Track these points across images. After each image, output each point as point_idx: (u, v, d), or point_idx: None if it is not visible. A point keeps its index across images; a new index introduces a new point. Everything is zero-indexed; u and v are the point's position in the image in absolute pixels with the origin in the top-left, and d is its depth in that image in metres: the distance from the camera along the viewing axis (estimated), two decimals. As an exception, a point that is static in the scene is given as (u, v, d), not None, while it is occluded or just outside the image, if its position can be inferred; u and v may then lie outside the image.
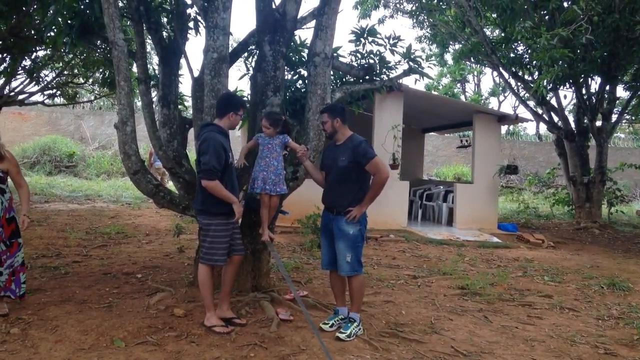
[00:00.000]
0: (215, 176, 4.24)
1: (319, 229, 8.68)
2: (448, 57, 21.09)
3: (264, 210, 4.73)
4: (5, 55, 11.72)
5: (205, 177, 4.26)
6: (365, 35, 6.12)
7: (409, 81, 15.95)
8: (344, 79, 6.45)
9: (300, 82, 6.32)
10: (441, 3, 14.98)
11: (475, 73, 32.50)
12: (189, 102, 6.77)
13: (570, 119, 14.64)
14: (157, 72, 6.28)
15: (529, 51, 13.26)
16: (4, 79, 13.49)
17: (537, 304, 6.00)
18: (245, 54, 6.58)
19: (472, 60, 16.55)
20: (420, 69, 6.28)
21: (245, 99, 6.64)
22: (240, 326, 4.50)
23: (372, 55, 6.17)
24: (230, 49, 5.53)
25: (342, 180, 4.56)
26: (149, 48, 12.23)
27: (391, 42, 6.15)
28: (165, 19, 6.42)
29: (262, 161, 4.65)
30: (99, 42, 7.39)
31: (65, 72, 14.69)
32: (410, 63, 6.23)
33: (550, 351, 4.51)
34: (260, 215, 4.79)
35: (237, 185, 4.66)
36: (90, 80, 15.56)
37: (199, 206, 4.47)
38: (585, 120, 13.90)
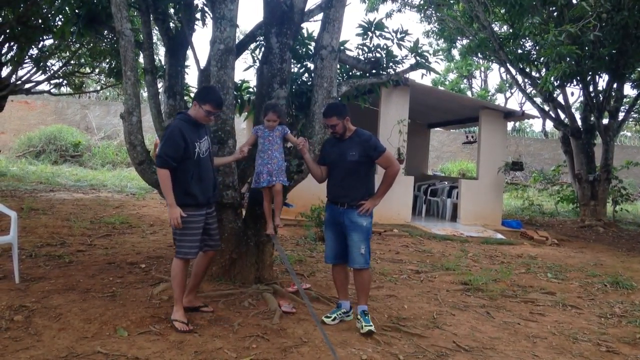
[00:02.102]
0: (166, 165, 4.06)
1: (323, 223, 8.73)
2: (455, 53, 21.03)
3: (267, 203, 4.71)
4: (12, 43, 11.76)
5: (157, 164, 4.13)
6: (372, 29, 6.10)
7: (415, 76, 15.93)
8: (350, 73, 6.44)
9: (306, 75, 6.31)
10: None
11: (482, 69, 32.39)
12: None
13: (577, 116, 14.59)
14: (163, 62, 6.29)
15: (537, 47, 13.21)
16: (11, 67, 13.53)
17: (540, 300, 5.99)
18: (252, 46, 6.58)
19: (480, 55, 16.49)
20: (427, 63, 6.26)
21: (250, 90, 6.66)
22: (207, 313, 4.50)
23: (379, 49, 6.14)
24: (237, 40, 5.53)
25: (352, 175, 4.55)
26: (155, 39, 12.24)
27: (398, 36, 6.13)
28: (172, 10, 6.41)
29: (264, 154, 4.58)
30: (106, 31, 7.41)
31: (72, 62, 14.73)
32: (417, 58, 6.20)
33: (552, 348, 4.51)
34: (264, 209, 4.77)
35: (211, 178, 4.40)
36: (97, 70, 15.60)
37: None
38: (592, 118, 13.84)
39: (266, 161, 4.56)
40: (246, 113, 7.03)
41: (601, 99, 13.63)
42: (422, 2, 16.21)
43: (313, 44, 5.97)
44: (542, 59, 12.12)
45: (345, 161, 4.54)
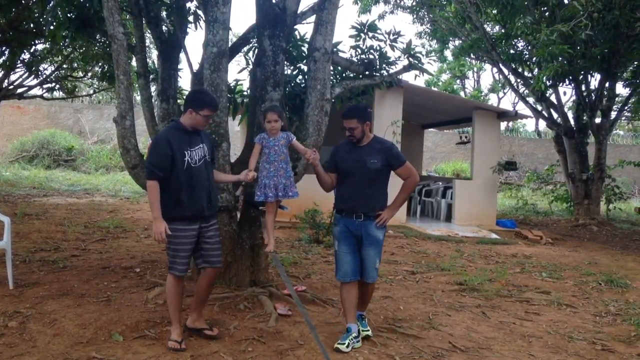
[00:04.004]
0: (153, 176, 3.83)
1: (317, 225, 8.73)
2: (448, 53, 21.11)
3: (271, 216, 4.37)
4: (4, 48, 11.70)
5: (145, 176, 3.93)
6: (365, 30, 6.10)
7: (408, 77, 15.96)
8: (343, 74, 6.44)
9: (300, 77, 6.31)
10: (441, -1, 14.96)
11: (475, 69, 32.47)
12: (188, 97, 6.77)
13: (570, 115, 14.64)
14: (156, 66, 6.27)
15: (529, 47, 13.26)
16: (3, 72, 13.47)
17: (535, 300, 6.01)
18: (245, 49, 6.57)
19: (472, 56, 16.54)
20: (420, 64, 6.27)
21: (244, 93, 6.65)
22: (212, 338, 4.14)
23: (372, 51, 6.15)
24: (230, 43, 5.52)
25: (371, 183, 4.28)
26: (148, 42, 12.22)
27: (391, 37, 6.14)
28: (164, 13, 6.40)
29: (270, 166, 4.18)
30: (98, 35, 7.38)
31: (65, 66, 14.68)
32: (410, 59, 6.21)
33: (548, 347, 4.52)
34: (264, 223, 4.45)
35: (205, 189, 4.05)
36: (90, 74, 15.55)
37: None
38: (585, 117, 13.90)
39: (272, 174, 4.17)
40: (240, 116, 7.01)
41: (593, 98, 13.69)
42: (414, 3, 16.24)
43: (306, 46, 5.97)
44: (534, 58, 12.18)
45: (365, 168, 4.25)
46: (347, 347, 4.15)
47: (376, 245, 4.30)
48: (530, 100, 15.78)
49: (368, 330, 4.42)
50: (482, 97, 31.40)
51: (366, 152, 4.30)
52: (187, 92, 6.56)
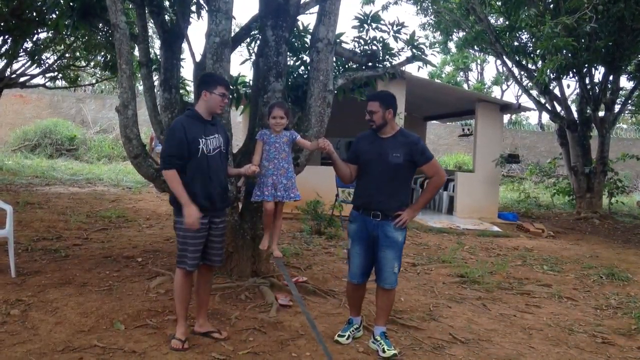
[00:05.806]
0: (170, 165, 3.69)
1: (319, 217, 8.73)
2: (451, 45, 21.01)
3: (269, 218, 4.17)
4: (6, 37, 11.67)
5: (161, 167, 3.78)
6: (368, 21, 6.08)
7: (411, 68, 15.91)
8: (346, 66, 6.42)
9: (302, 68, 6.29)
10: (446, -10, 14.88)
11: (479, 61, 32.37)
12: (190, 87, 6.77)
13: (573, 108, 14.57)
14: (158, 56, 6.26)
15: (533, 39, 13.20)
16: (5, 61, 13.44)
17: (536, 292, 6.02)
18: (248, 39, 6.55)
19: (476, 48, 16.47)
20: (423, 56, 6.25)
21: (247, 84, 6.64)
22: (219, 340, 4.00)
23: (375, 42, 6.13)
24: (233, 33, 5.51)
25: (392, 180, 3.98)
26: (150, 31, 12.15)
27: (395, 28, 6.11)
28: (167, 2, 6.39)
29: (269, 164, 4.01)
30: (100, 24, 7.37)
31: (67, 55, 14.63)
32: (414, 50, 6.20)
33: (548, 340, 4.53)
34: (265, 227, 4.28)
35: (220, 181, 3.94)
36: (92, 63, 15.50)
37: (170, 199, 3.94)
38: (588, 110, 13.84)
39: (272, 172, 4.01)
40: (242, 107, 7.01)
41: (597, 91, 13.63)
42: (418, -6, 16.16)
43: (309, 36, 5.94)
44: (538, 51, 12.13)
45: (386, 162, 3.95)
46: (347, 339, 4.15)
47: (395, 247, 3.99)
48: (534, 93, 15.73)
49: (394, 350, 3.96)
50: (485, 90, 31.34)
51: (389, 144, 4.00)
52: (189, 82, 6.56)
